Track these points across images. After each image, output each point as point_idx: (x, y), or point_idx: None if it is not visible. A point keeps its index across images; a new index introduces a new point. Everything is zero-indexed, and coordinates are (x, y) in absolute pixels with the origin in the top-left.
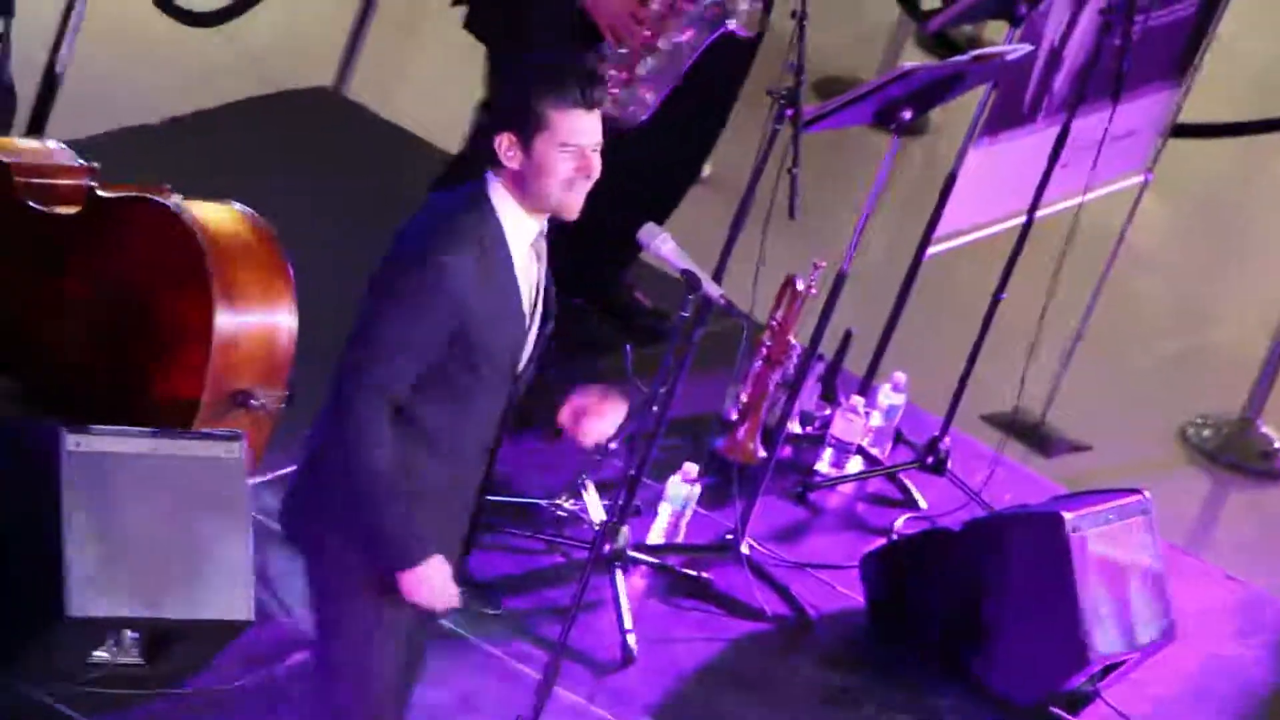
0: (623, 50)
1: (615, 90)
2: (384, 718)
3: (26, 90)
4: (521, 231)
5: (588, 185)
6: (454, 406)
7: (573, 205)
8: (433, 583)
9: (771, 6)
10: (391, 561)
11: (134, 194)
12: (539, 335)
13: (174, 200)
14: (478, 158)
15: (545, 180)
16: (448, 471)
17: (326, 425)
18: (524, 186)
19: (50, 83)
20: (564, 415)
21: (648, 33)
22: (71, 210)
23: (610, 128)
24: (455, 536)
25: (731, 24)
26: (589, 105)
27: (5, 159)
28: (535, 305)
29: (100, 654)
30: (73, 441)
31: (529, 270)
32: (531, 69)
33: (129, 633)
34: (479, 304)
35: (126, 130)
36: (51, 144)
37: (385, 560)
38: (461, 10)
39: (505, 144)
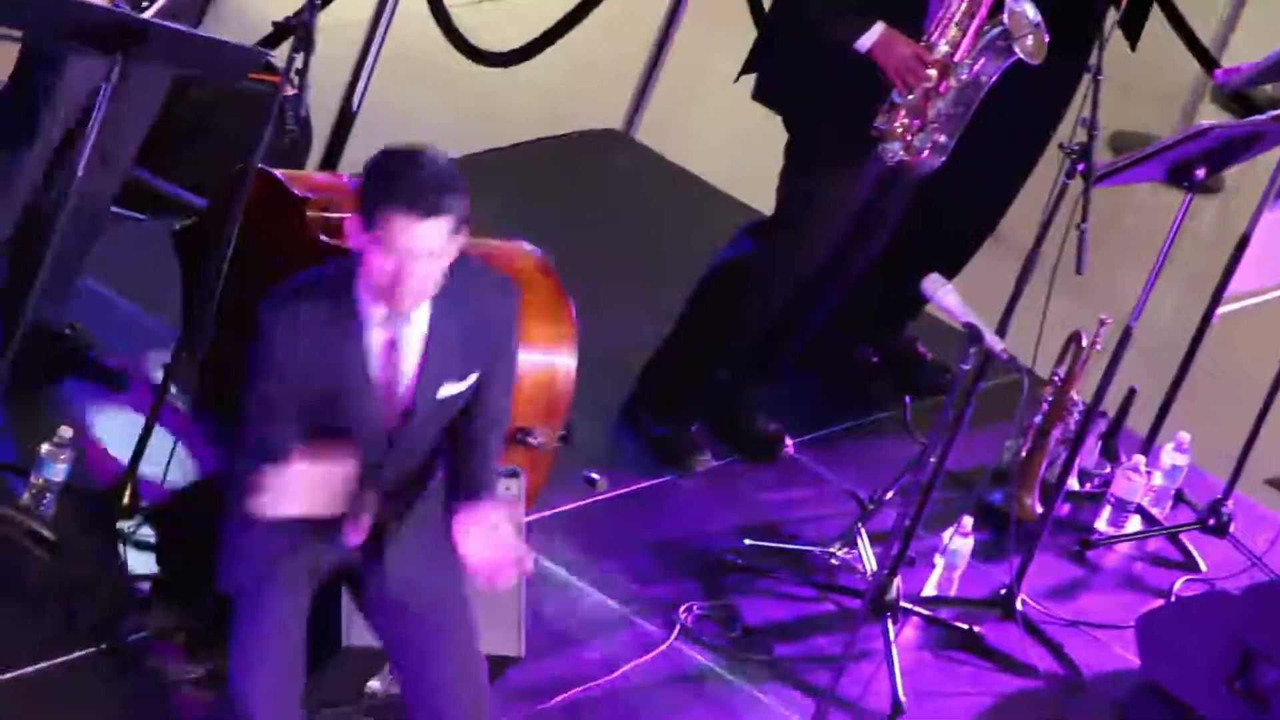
0: (912, 96)
1: (909, 138)
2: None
3: (322, 125)
4: (378, 306)
5: (410, 291)
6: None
7: (397, 303)
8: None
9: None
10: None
11: None
12: (427, 406)
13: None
14: (780, 224)
15: (370, 274)
16: None
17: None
18: (361, 269)
19: (345, 118)
20: (456, 532)
21: (935, 75)
22: None
23: (908, 175)
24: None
25: (1018, 52)
26: (424, 214)
27: (299, 192)
28: (399, 374)
29: (373, 684)
30: None
31: (383, 345)
32: (383, 164)
33: None
34: (309, 359)
35: None
36: (344, 179)
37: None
38: (750, 80)
39: (350, 226)
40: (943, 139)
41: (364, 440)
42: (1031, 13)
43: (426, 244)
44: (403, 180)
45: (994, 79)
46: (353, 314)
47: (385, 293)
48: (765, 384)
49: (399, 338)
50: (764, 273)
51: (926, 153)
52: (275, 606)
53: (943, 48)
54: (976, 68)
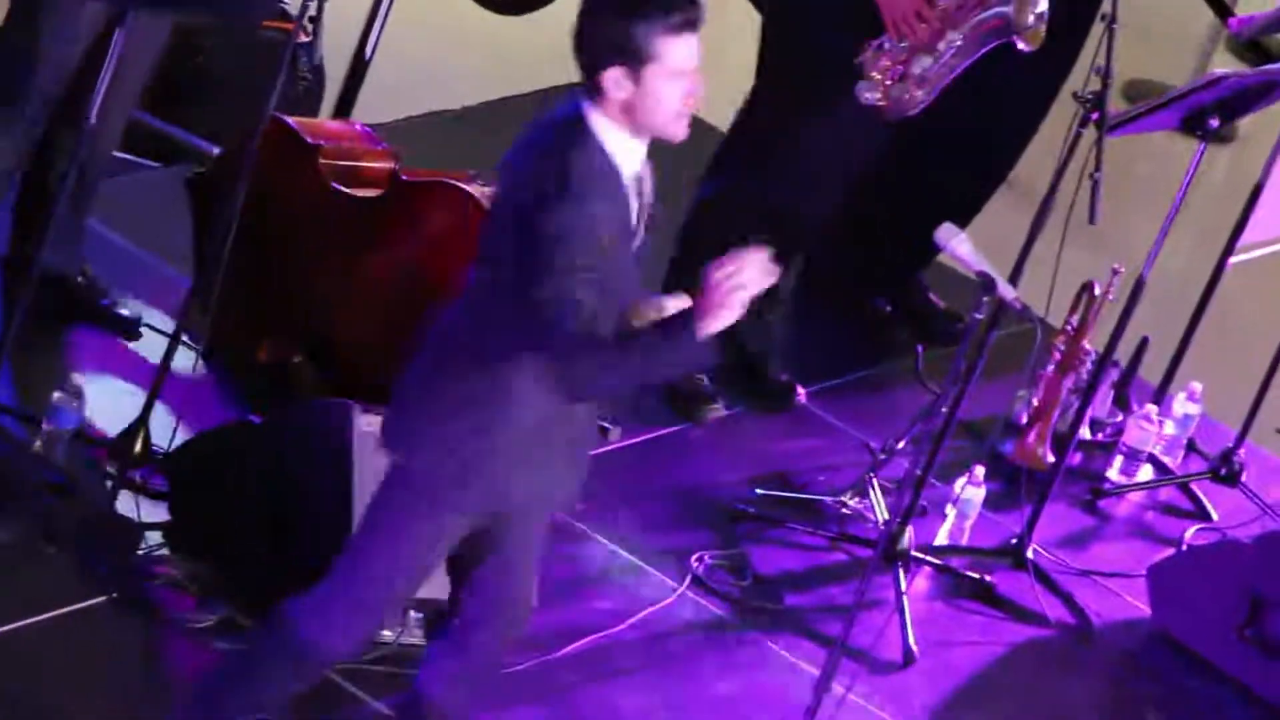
0: (902, 44)
1: (888, 84)
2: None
3: (336, 72)
4: (628, 158)
5: (693, 108)
6: None
7: (681, 130)
8: (716, 307)
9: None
10: (695, 354)
11: (436, 179)
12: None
13: (476, 186)
14: (742, 142)
15: (658, 111)
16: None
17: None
18: (633, 116)
19: (359, 66)
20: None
21: (928, 31)
22: (374, 193)
23: (879, 118)
24: (569, 461)
25: (1015, 38)
26: (695, 28)
27: (312, 140)
28: (638, 226)
29: (385, 633)
30: (365, 421)
31: (633, 195)
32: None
33: (413, 613)
34: (609, 238)
35: (432, 115)
36: (358, 127)
37: (691, 358)
38: None
39: (613, 78)
40: (919, 94)
41: (624, 295)
42: (1042, 3)
43: (698, 57)
44: (666, 3)
45: (982, 53)
46: (610, 163)
47: (674, 123)
48: (764, 325)
49: (644, 175)
50: (747, 199)
51: (902, 103)
52: (437, 536)
53: (944, 4)
54: (969, 39)
